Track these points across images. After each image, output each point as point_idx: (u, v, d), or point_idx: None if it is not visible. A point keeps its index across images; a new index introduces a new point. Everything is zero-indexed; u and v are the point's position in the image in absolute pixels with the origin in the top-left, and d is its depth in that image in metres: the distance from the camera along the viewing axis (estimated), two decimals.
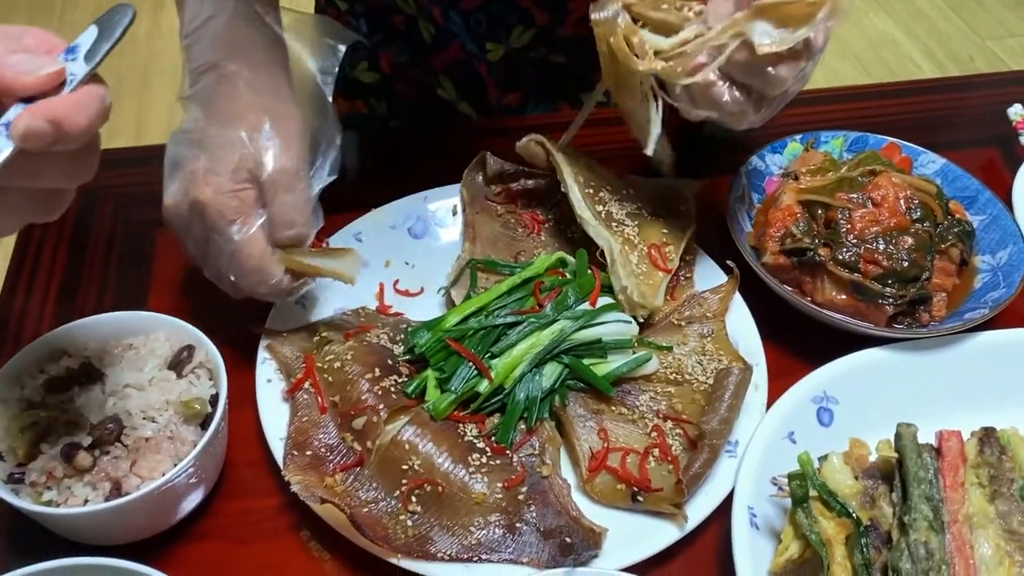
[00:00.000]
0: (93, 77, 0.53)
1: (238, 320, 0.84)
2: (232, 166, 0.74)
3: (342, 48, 0.84)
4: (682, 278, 0.90)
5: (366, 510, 0.72)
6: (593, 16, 0.78)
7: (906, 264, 0.84)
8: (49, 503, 0.67)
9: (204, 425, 0.73)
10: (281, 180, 0.75)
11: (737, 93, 0.74)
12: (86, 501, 0.67)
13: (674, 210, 0.92)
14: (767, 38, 0.70)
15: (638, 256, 0.86)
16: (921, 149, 0.98)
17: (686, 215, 0.92)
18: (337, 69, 0.84)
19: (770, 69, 0.73)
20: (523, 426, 0.77)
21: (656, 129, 0.80)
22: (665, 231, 0.90)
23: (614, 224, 0.88)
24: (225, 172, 0.74)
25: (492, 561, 0.71)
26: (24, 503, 0.67)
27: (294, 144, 0.76)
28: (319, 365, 0.80)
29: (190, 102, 0.77)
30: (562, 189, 0.89)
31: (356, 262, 0.81)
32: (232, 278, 0.77)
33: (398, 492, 0.73)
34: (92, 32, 0.54)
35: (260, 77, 0.77)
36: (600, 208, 0.89)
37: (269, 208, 0.75)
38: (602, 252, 0.86)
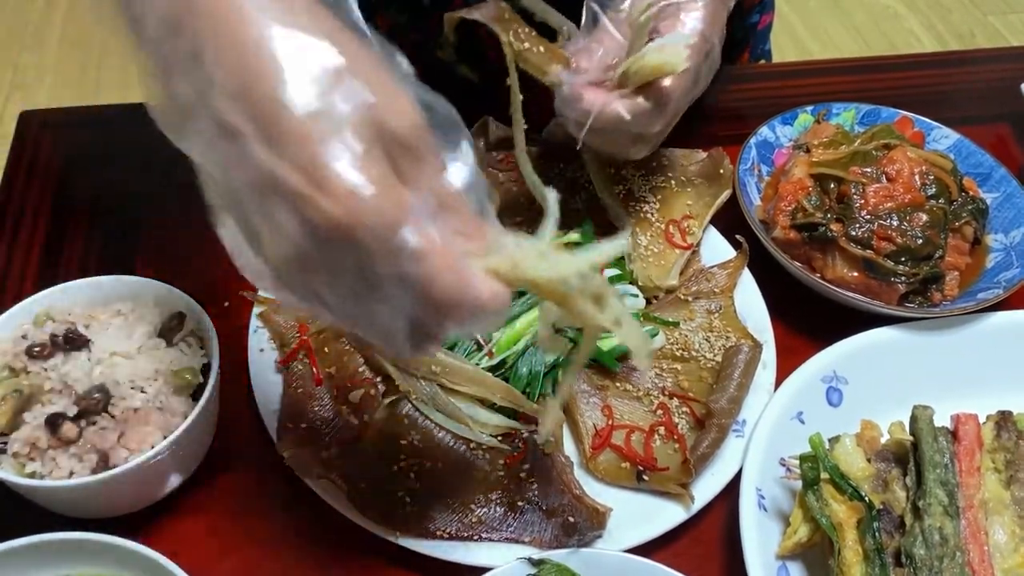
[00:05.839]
0: None
1: (231, 287, 0.81)
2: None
3: None
4: (689, 252, 0.87)
5: (363, 485, 0.70)
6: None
7: (920, 242, 0.81)
8: (33, 475, 0.65)
9: (195, 396, 0.70)
10: (421, 138, 0.47)
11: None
12: (71, 473, 0.65)
13: (711, 176, 0.89)
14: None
15: (650, 236, 0.84)
16: (934, 124, 0.96)
17: (720, 182, 0.89)
18: None
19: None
20: None
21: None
22: (690, 203, 0.87)
23: (632, 203, 0.85)
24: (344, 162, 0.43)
25: (493, 540, 0.69)
26: (7, 474, 0.64)
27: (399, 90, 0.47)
28: (314, 334, 0.77)
29: None
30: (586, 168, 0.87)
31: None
32: (430, 319, 0.48)
33: (396, 468, 0.71)
34: None
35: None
36: (619, 187, 0.87)
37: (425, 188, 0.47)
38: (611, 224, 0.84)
